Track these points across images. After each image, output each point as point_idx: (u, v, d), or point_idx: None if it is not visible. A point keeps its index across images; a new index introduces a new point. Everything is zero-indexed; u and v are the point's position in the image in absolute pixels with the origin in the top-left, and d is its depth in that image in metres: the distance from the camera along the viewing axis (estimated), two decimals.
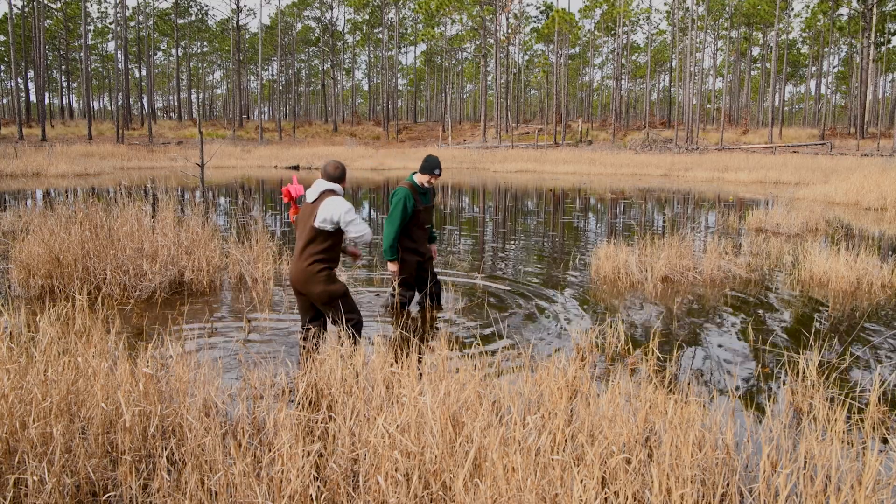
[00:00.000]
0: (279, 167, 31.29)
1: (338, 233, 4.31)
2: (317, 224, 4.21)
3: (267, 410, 2.98)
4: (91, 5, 63.05)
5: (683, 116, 49.99)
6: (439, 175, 5.47)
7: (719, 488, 2.49)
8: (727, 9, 54.72)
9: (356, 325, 4.33)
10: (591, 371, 4.09)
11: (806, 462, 2.73)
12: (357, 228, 4.27)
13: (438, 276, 5.99)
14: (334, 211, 4.19)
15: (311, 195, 4.31)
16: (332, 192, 4.33)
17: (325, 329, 4.52)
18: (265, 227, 7.54)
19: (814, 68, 62.05)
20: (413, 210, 5.36)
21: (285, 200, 4.45)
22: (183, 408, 2.93)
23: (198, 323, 5.16)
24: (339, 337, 4.25)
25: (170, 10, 62.94)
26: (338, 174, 4.39)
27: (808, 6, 56.83)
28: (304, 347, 4.39)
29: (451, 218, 13.26)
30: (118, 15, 49.58)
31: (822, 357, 4.38)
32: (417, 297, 5.79)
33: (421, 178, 5.46)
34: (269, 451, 2.64)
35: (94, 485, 2.58)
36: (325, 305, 4.32)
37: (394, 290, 5.49)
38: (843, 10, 51.89)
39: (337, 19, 65.36)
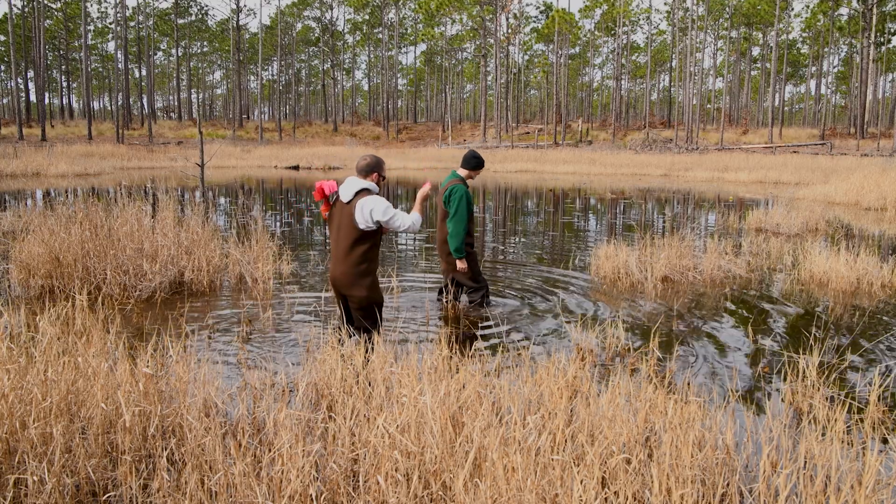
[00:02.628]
0: (279, 167, 31.29)
1: (378, 231, 4.26)
2: (360, 226, 4.17)
3: (267, 410, 2.98)
4: (91, 5, 63.05)
5: (683, 116, 49.98)
6: (479, 173, 5.74)
7: (719, 488, 2.49)
8: (727, 9, 54.71)
9: (371, 334, 4.34)
10: (591, 371, 4.09)
11: (806, 462, 2.73)
12: (401, 222, 4.20)
13: (439, 276, 6.02)
14: (373, 210, 4.13)
15: (345, 195, 4.20)
16: (366, 191, 4.23)
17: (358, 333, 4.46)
18: (265, 227, 7.53)
19: (814, 68, 62.04)
20: (471, 207, 5.52)
21: (317, 198, 4.38)
22: (183, 408, 2.92)
23: (198, 323, 5.16)
24: (359, 338, 4.25)
25: (170, 10, 62.96)
26: (365, 166, 4.25)
27: (808, 6, 56.84)
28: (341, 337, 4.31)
29: None
30: (118, 15, 49.57)
31: (822, 357, 4.38)
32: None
33: (467, 174, 5.61)
34: (269, 451, 2.64)
35: (94, 485, 2.58)
36: (359, 310, 4.32)
37: (466, 288, 5.69)
38: (843, 10, 51.90)
39: (337, 19, 65.41)
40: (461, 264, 5.52)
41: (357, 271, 4.25)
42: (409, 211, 4.67)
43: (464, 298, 5.88)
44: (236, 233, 7.64)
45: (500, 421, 2.83)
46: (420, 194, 4.50)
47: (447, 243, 5.56)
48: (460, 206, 5.38)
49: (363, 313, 4.32)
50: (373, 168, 4.26)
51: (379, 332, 4.43)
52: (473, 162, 5.58)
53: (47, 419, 2.69)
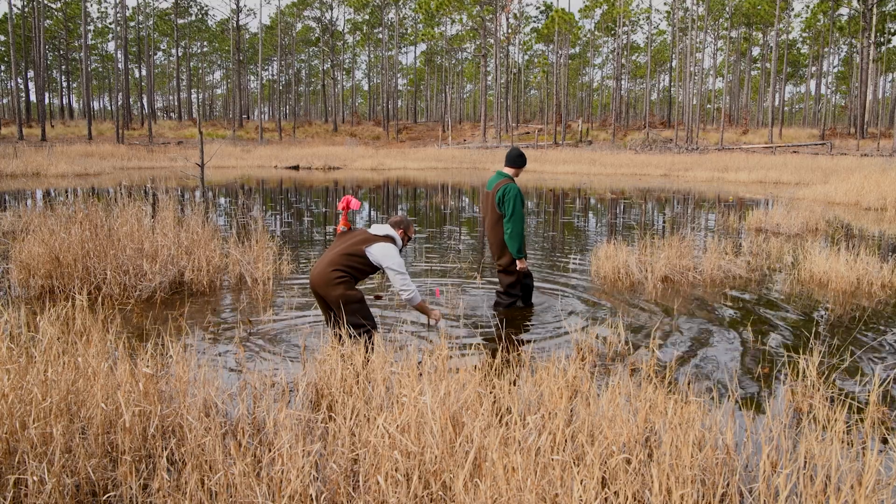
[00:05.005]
0: (279, 167, 31.29)
1: (375, 269, 4.53)
2: (369, 257, 4.45)
3: (267, 410, 2.98)
4: (91, 5, 63.05)
5: (683, 116, 49.98)
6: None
7: (719, 488, 2.49)
8: (727, 9, 54.71)
9: (369, 333, 4.35)
10: (591, 371, 4.09)
11: (806, 462, 2.73)
12: (399, 281, 4.46)
13: (444, 276, 6.02)
14: (383, 258, 4.43)
15: (377, 229, 4.60)
16: (391, 238, 4.57)
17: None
18: (265, 227, 7.53)
19: (814, 68, 62.04)
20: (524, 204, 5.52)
21: (339, 207, 4.71)
22: (183, 408, 2.92)
23: (198, 323, 5.16)
24: (341, 338, 4.25)
25: (170, 10, 62.95)
26: (398, 221, 4.70)
27: (808, 6, 56.84)
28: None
29: (451, 218, 13.26)
30: (118, 15, 49.58)
31: (822, 357, 4.38)
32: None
33: (514, 172, 5.60)
34: (269, 451, 2.64)
35: (94, 485, 2.58)
36: (339, 308, 4.35)
37: (506, 290, 5.69)
38: (843, 10, 51.90)
39: (337, 19, 65.40)
40: (521, 264, 5.50)
41: (334, 274, 4.36)
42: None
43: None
44: (236, 233, 7.63)
45: (500, 421, 2.83)
46: (433, 316, 4.78)
47: (503, 245, 5.54)
48: (516, 205, 5.36)
49: (345, 311, 4.35)
50: (399, 224, 4.70)
51: (375, 328, 4.44)
52: (520, 160, 5.56)
53: (47, 419, 2.69)
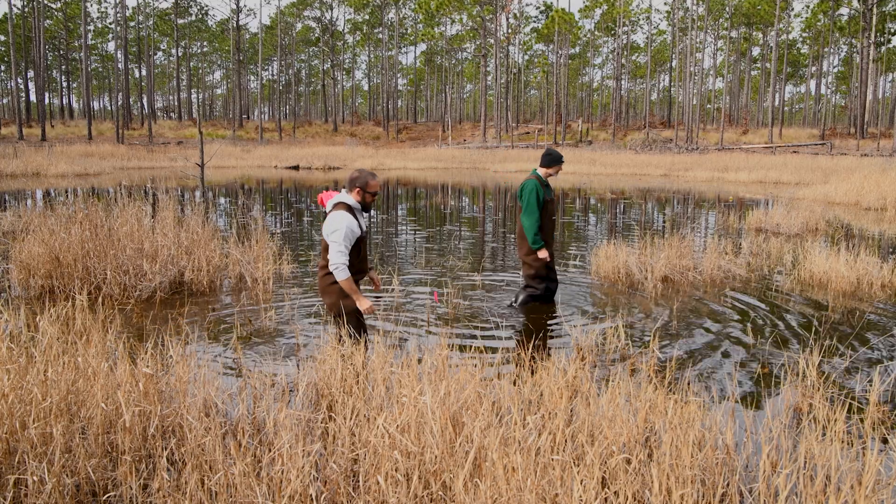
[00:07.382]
0: (279, 167, 31.29)
1: (355, 246, 4.04)
2: (323, 235, 4.06)
3: (267, 410, 2.98)
4: (91, 5, 63.05)
5: (683, 116, 49.99)
6: (560, 168, 5.76)
7: (719, 488, 2.49)
8: (727, 9, 54.71)
9: (357, 338, 4.28)
10: (591, 371, 4.09)
11: (806, 462, 2.73)
12: (335, 252, 3.90)
13: (448, 275, 6.02)
14: (328, 225, 3.97)
15: (329, 206, 4.11)
16: (344, 205, 4.04)
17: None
18: (265, 227, 7.53)
19: (814, 68, 62.03)
20: (542, 201, 5.61)
21: (324, 207, 4.48)
22: (183, 408, 2.92)
23: (198, 323, 5.16)
24: (341, 338, 4.25)
25: (170, 10, 62.94)
26: (349, 179, 4.09)
27: (808, 6, 56.83)
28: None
29: (451, 217, 13.26)
30: (118, 15, 49.58)
31: (822, 357, 4.38)
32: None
33: (545, 172, 5.72)
34: (269, 451, 2.64)
35: (94, 485, 2.58)
36: (334, 317, 4.28)
37: (526, 283, 5.79)
38: (843, 10, 51.89)
39: (337, 19, 65.36)
40: (542, 253, 5.59)
41: (326, 280, 4.11)
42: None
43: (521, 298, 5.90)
44: (236, 233, 7.63)
45: (500, 421, 2.83)
46: (361, 304, 4.04)
47: (522, 236, 5.71)
48: (530, 198, 5.55)
49: (337, 321, 4.18)
50: (354, 182, 4.05)
51: (361, 340, 4.12)
52: (547, 159, 5.72)
53: (47, 419, 2.69)
